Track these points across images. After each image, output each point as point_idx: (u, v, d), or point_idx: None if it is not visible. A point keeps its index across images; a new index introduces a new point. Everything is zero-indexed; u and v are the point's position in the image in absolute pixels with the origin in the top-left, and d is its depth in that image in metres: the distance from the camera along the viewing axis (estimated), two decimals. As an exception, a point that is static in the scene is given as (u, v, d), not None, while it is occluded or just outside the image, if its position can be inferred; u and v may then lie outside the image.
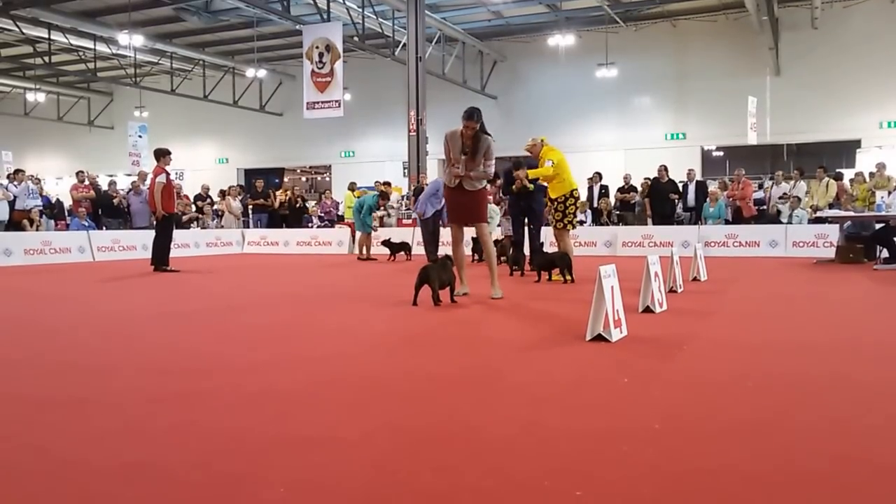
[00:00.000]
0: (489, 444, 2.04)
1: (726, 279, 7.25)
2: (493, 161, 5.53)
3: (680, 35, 19.34)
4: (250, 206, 15.98)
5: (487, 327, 4.43)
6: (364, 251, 11.53)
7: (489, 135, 5.45)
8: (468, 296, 5.62)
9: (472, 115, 5.30)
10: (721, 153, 20.63)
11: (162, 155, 9.12)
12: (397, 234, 12.45)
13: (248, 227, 15.90)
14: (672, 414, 2.33)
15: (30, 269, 9.85)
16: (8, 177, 13.89)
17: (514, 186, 7.75)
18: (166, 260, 9.23)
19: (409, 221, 14.35)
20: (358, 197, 13.17)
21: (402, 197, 15.52)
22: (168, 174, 9.19)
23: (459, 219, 5.69)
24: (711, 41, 18.88)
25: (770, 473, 1.80)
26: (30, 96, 24.71)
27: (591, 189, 14.44)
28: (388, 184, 11.96)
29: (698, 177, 14.53)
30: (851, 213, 10.23)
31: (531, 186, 7.64)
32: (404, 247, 11.29)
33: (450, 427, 2.21)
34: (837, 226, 9.89)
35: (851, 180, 12.27)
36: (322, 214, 15.99)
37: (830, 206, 11.61)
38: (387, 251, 11.20)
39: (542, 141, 7.24)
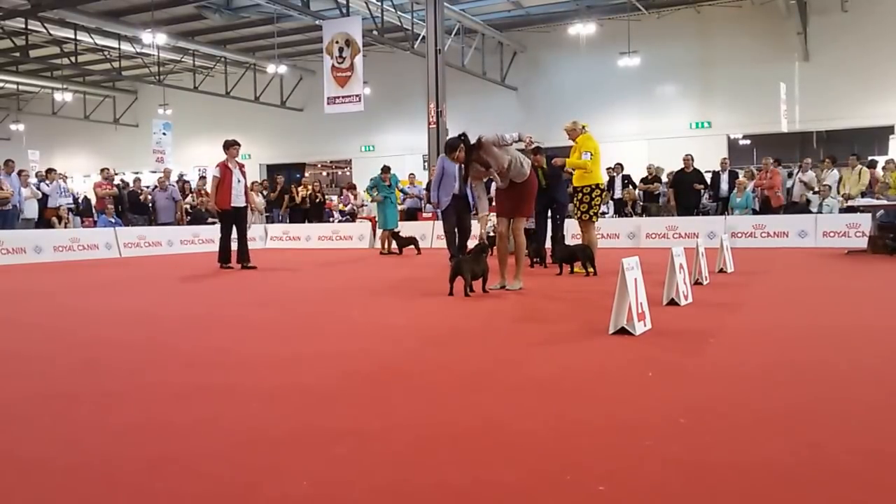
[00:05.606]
0: (512, 438, 2.03)
1: (754, 271, 7.11)
2: (503, 136, 5.46)
3: (704, 21, 18.94)
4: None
5: (509, 321, 4.41)
6: (386, 246, 11.60)
7: (478, 141, 5.49)
8: (498, 289, 5.59)
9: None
10: (748, 141, 20.19)
11: (226, 147, 8.51)
12: (408, 229, 12.54)
13: (273, 222, 16.11)
14: (697, 408, 2.30)
15: (59, 266, 10.07)
16: (37, 175, 14.23)
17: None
18: (228, 257, 8.63)
19: (430, 215, 14.35)
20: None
21: (423, 189, 15.51)
22: (227, 167, 8.42)
23: (507, 211, 5.74)
24: (737, 27, 18.45)
25: (799, 468, 1.76)
26: (57, 96, 25.19)
27: (612, 180, 14.27)
28: (387, 168, 11.87)
29: (722, 166, 14.26)
30: (884, 202, 9.94)
31: (545, 167, 7.51)
32: (412, 241, 11.36)
33: (472, 421, 2.21)
34: (870, 215, 9.62)
35: (883, 167, 11.92)
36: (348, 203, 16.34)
37: (863, 195, 11.30)
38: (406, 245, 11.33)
39: (583, 127, 7.09)
